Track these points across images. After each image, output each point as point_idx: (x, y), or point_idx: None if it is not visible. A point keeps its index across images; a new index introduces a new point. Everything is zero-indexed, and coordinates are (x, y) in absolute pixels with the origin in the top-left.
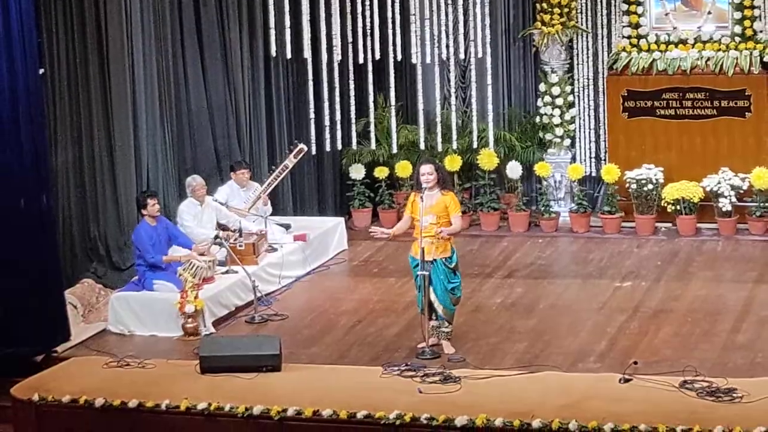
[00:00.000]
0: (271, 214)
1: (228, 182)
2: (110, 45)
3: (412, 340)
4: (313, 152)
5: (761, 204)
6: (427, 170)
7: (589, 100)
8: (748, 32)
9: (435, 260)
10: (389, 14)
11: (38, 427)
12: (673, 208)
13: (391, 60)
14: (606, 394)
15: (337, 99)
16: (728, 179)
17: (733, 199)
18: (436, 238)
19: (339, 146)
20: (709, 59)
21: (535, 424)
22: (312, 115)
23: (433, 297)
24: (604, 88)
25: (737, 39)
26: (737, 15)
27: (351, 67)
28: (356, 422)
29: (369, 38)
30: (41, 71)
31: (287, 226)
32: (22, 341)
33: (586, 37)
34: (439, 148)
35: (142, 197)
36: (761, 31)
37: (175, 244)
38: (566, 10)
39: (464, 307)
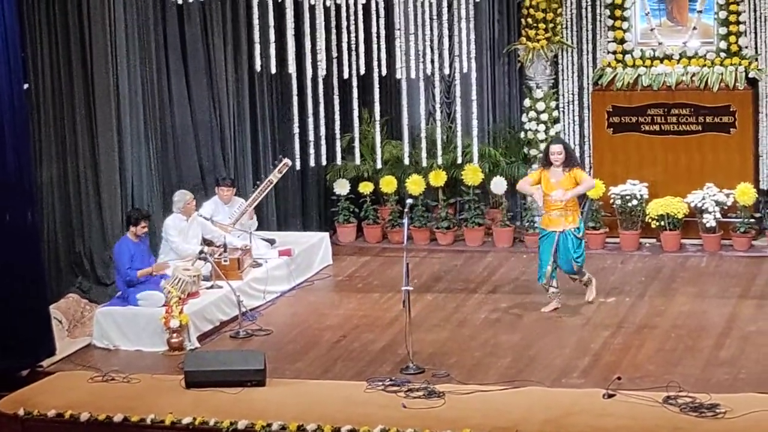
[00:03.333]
0: (256, 229)
1: (213, 197)
2: (94, 60)
3: (396, 355)
4: (298, 167)
5: (745, 220)
6: (557, 150)
7: (573, 116)
8: (734, 48)
9: (564, 231)
10: (374, 29)
11: None
12: (657, 223)
13: (376, 75)
14: (590, 409)
15: (322, 114)
16: (713, 195)
17: (718, 215)
18: (565, 210)
19: (324, 161)
20: (694, 75)
21: None
22: (296, 131)
23: (556, 264)
24: (589, 104)
25: (722, 54)
26: (723, 30)
27: (336, 83)
28: None
29: (354, 53)
30: (26, 86)
31: (272, 242)
32: (8, 355)
33: (571, 53)
34: (424, 163)
35: (136, 215)
36: (746, 47)
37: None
38: (551, 25)
39: (448, 322)
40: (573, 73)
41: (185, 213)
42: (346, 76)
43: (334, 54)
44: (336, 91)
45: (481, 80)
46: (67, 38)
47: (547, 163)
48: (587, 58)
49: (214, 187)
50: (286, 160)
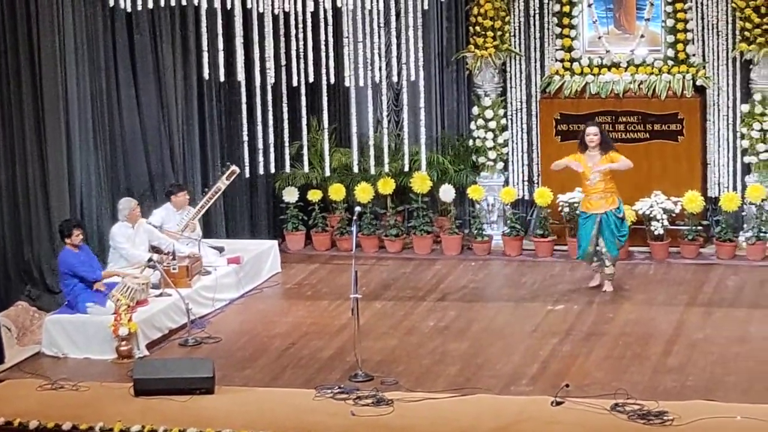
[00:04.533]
0: (204, 237)
1: (164, 205)
2: (43, 67)
3: (345, 362)
4: (247, 175)
5: (693, 228)
6: (592, 131)
7: (522, 124)
8: (681, 56)
9: (606, 212)
10: (322, 37)
11: None
12: None
13: (325, 83)
14: (538, 416)
15: (271, 122)
16: (660, 203)
17: (666, 223)
18: (604, 192)
19: (272, 169)
20: (641, 83)
21: None
22: (245, 138)
23: (601, 244)
24: (537, 112)
25: (670, 62)
26: (670, 38)
27: (284, 90)
28: None
29: (302, 61)
30: None
31: (221, 249)
32: None
33: (519, 61)
34: (372, 171)
35: (67, 226)
36: (694, 55)
37: None
38: (499, 33)
39: (397, 329)
40: (521, 80)
41: (130, 220)
42: (294, 83)
43: (283, 62)
44: (284, 98)
45: (430, 88)
46: (15, 44)
47: (583, 146)
48: (535, 65)
49: (164, 195)
50: (234, 168)
